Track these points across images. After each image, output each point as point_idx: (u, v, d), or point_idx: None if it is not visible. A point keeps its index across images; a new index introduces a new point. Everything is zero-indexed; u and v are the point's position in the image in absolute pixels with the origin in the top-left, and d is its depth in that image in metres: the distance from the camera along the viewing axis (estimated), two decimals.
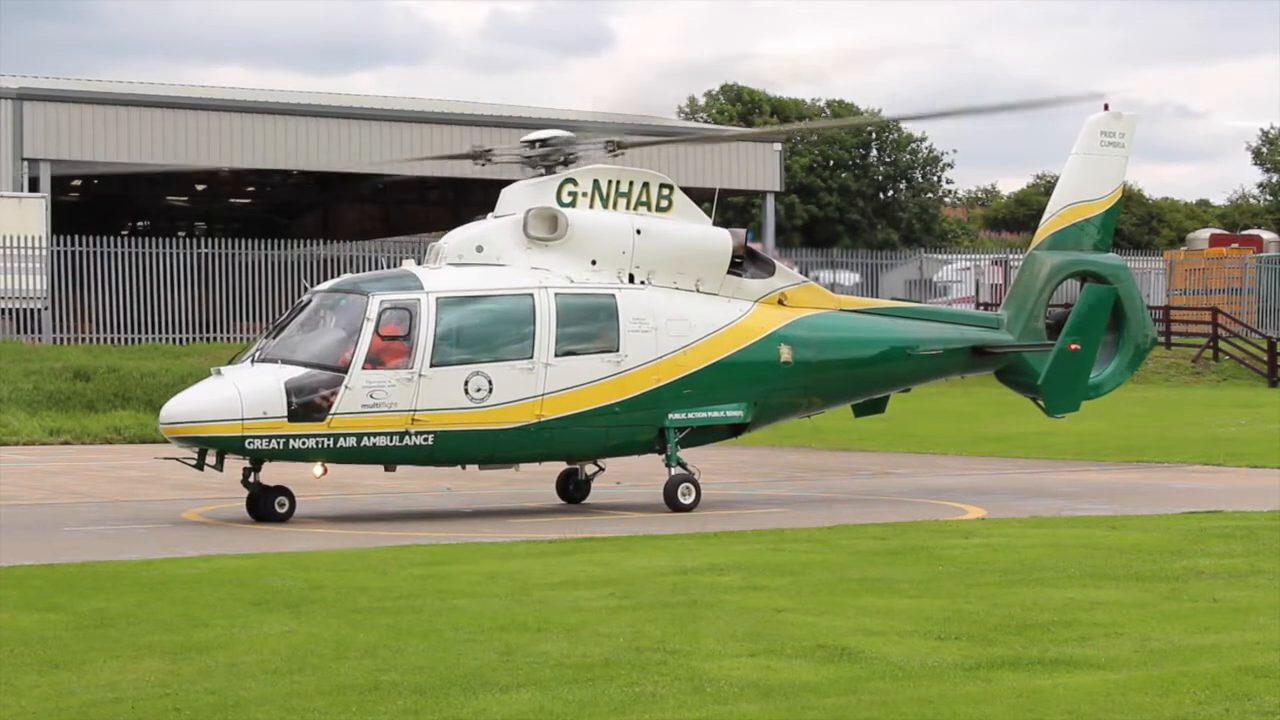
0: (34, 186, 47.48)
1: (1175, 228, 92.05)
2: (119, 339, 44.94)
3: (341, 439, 19.75)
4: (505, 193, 21.97)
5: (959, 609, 12.05)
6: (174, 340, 45.04)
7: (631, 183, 21.69)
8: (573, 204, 21.32)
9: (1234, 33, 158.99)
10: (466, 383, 20.16)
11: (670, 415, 21.34)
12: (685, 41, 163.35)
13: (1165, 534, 16.94)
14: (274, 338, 20.40)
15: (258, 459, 19.95)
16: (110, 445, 35.53)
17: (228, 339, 45.68)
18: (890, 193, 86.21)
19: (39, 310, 44.64)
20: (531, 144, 22.21)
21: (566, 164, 21.87)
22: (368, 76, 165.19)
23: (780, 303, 22.23)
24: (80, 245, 45.27)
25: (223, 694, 9.28)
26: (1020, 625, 11.36)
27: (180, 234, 61.49)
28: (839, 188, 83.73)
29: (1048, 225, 25.41)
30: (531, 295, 20.65)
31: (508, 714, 8.87)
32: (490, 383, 20.25)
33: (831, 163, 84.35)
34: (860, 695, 9.22)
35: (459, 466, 21.46)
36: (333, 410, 19.64)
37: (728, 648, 10.55)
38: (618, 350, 20.94)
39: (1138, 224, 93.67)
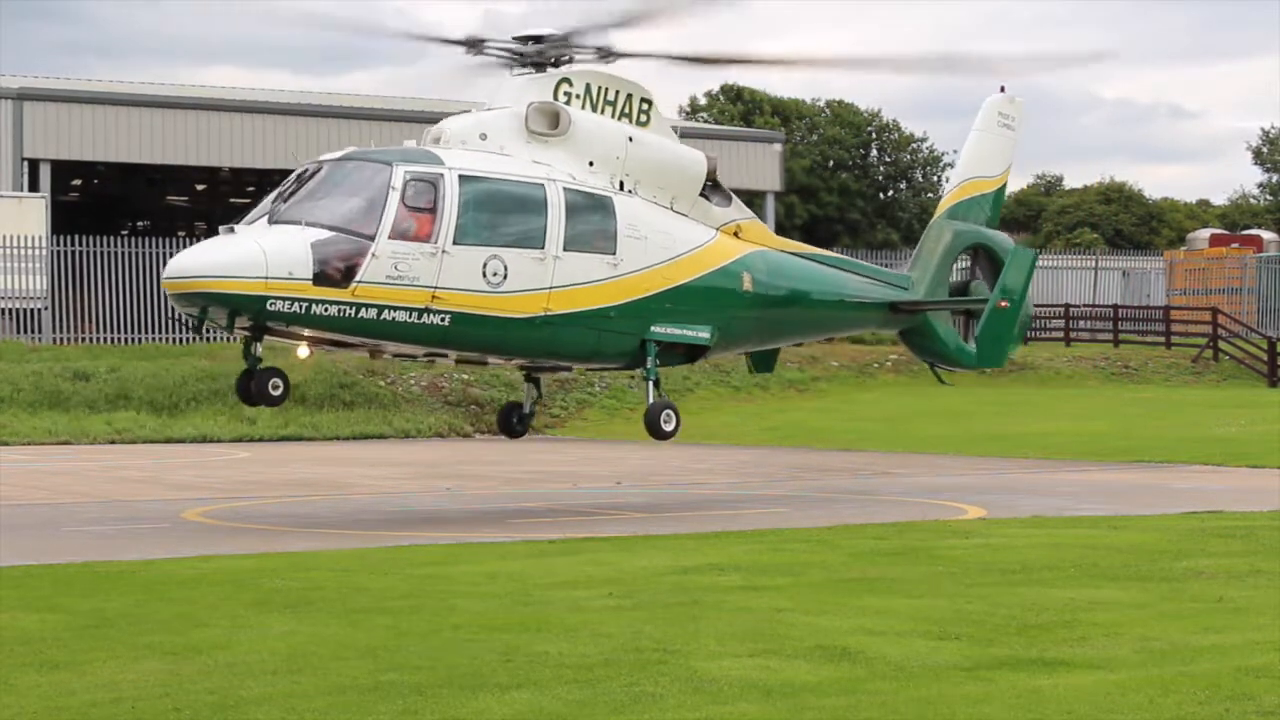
0: (34, 186, 47.48)
1: (1175, 228, 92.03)
2: (119, 339, 44.95)
3: (363, 309, 18.88)
4: (501, 86, 21.45)
5: (959, 609, 12.05)
6: (174, 340, 45.04)
7: (618, 91, 21.35)
8: (567, 104, 20.95)
9: (1230, 33, 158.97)
10: (485, 265, 19.61)
11: (652, 328, 21.09)
12: (679, 41, 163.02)
13: (1165, 534, 16.94)
14: (284, 201, 19.20)
15: (267, 326, 18.77)
16: (110, 445, 35.54)
17: (228, 339, 45.65)
18: (890, 193, 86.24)
19: (39, 310, 44.65)
20: (525, 40, 21.44)
21: (556, 65, 21.34)
22: (362, 77, 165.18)
23: (736, 234, 22.23)
24: (80, 245, 45.29)
25: (222, 694, 9.28)
26: (1020, 625, 11.36)
27: (180, 234, 61.41)
28: (839, 188, 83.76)
29: (950, 197, 25.70)
30: (543, 186, 20.22)
31: (507, 714, 8.87)
32: (506, 269, 19.75)
33: (832, 163, 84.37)
34: (860, 695, 9.22)
35: (458, 357, 20.79)
36: (358, 278, 18.77)
37: (727, 648, 10.55)
38: (614, 254, 20.66)
39: (1138, 224, 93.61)
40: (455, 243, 19.40)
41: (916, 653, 10.35)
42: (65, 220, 50.07)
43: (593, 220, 20.60)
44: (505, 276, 19.78)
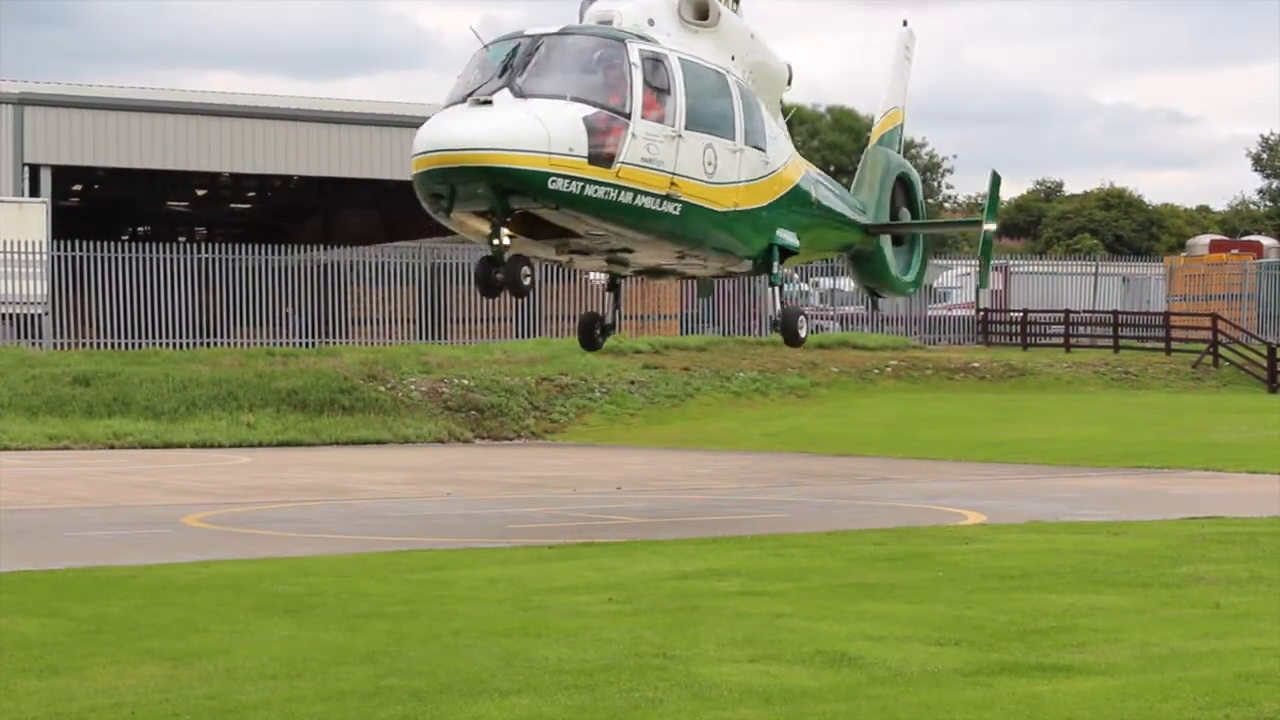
0: (35, 191, 47.50)
1: (1175, 233, 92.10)
2: (119, 344, 44.97)
3: (623, 193, 17.69)
4: None
5: (958, 615, 12.04)
6: (174, 345, 45.06)
7: None
8: None
9: (1230, 39, 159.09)
10: (704, 153, 18.74)
11: (777, 231, 20.44)
12: None
13: (1165, 540, 16.93)
14: (519, 74, 17.41)
15: (522, 210, 17.29)
16: (111, 450, 35.54)
17: (228, 344, 45.71)
18: None
19: (39, 315, 44.67)
20: None
21: None
22: (362, 82, 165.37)
23: None
24: (81, 250, 45.31)
25: (222, 699, 9.28)
26: (1020, 631, 11.36)
27: (181, 239, 61.52)
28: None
29: (880, 126, 25.41)
30: (725, 77, 19.38)
31: (507, 719, 8.86)
32: (715, 159, 18.92)
33: (833, 168, 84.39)
34: (860, 701, 9.22)
35: (649, 259, 19.63)
36: (621, 158, 17.58)
37: (727, 653, 10.54)
38: (766, 152, 19.98)
39: (1138, 229, 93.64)
40: (686, 127, 18.40)
41: (916, 658, 10.34)
42: (66, 225, 50.13)
43: (754, 117, 19.86)
44: (715, 167, 18.94)
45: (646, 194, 18.03)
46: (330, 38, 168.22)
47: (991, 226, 23.71)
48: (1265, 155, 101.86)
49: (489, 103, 17.03)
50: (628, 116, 17.72)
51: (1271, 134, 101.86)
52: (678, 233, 18.91)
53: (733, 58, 19.86)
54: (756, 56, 20.53)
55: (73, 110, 48.84)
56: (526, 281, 17.60)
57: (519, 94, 17.21)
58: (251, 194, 68.00)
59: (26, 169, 47.92)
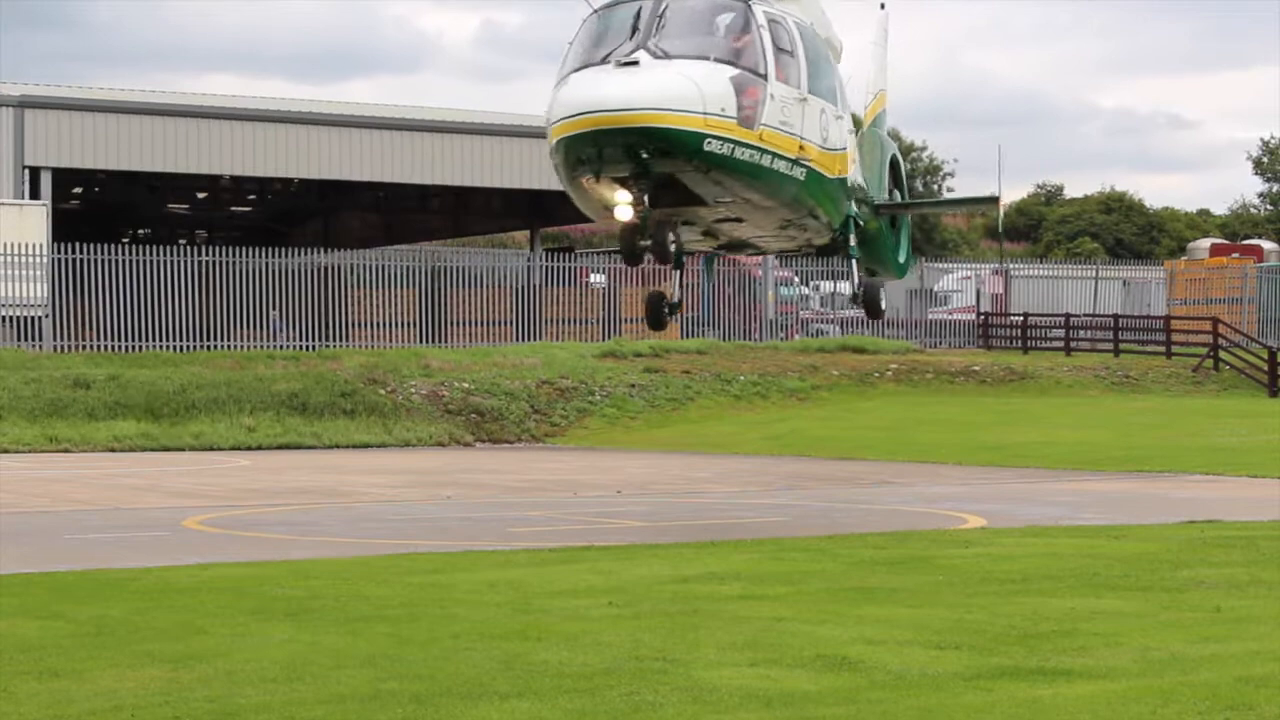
0: (35, 194, 47.50)
1: (1176, 237, 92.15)
2: (119, 347, 44.97)
3: (763, 156, 17.29)
4: None
5: (959, 618, 12.04)
6: (174, 348, 45.06)
7: None
8: None
9: (1229, 43, 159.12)
10: (820, 117, 18.39)
11: (850, 204, 20.19)
12: None
13: (1165, 544, 16.93)
14: (653, 35, 16.83)
15: (666, 175, 16.67)
16: (110, 453, 35.54)
17: (228, 347, 45.71)
18: None
19: (39, 318, 44.67)
20: None
21: None
22: (361, 85, 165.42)
23: None
24: (81, 253, 45.32)
25: (222, 702, 9.27)
26: (1020, 635, 11.35)
27: (181, 242, 61.52)
28: None
29: (870, 110, 25.11)
30: (827, 43, 19.04)
31: None
32: (827, 124, 18.58)
33: None
34: (860, 705, 9.21)
35: (750, 231, 19.02)
36: (762, 120, 17.15)
37: (727, 657, 10.54)
38: (849, 121, 19.65)
39: (1138, 233, 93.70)
40: (809, 90, 18.02)
41: (916, 662, 10.34)
42: (66, 228, 50.11)
43: (841, 85, 19.59)
44: (827, 133, 18.61)
45: (781, 158, 17.67)
46: (330, 40, 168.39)
47: (1002, 203, 23.36)
48: (1266, 159, 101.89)
49: (634, 63, 16.48)
50: (764, 78, 17.35)
51: (1272, 137, 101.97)
52: (799, 199, 18.49)
53: (811, 24, 19.43)
54: (827, 31, 20.29)
55: (73, 113, 48.83)
56: (673, 248, 17.28)
57: (660, 55, 16.73)
58: (252, 197, 68.00)
59: (27, 171, 47.89)
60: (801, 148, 17.94)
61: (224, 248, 49.02)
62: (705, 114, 16.50)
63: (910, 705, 9.19)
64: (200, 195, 66.30)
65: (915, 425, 39.09)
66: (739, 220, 19.01)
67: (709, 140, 16.59)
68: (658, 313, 21.65)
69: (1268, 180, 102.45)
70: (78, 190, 60.73)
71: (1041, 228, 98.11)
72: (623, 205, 17.23)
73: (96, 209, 63.76)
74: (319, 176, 53.40)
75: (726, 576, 14.42)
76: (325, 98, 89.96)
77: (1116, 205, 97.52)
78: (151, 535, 19.01)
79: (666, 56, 16.72)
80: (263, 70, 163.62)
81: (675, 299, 21.91)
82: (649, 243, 17.17)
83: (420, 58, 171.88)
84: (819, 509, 22.87)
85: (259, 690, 9.57)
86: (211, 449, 36.53)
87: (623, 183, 16.96)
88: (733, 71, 17.08)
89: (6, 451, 34.87)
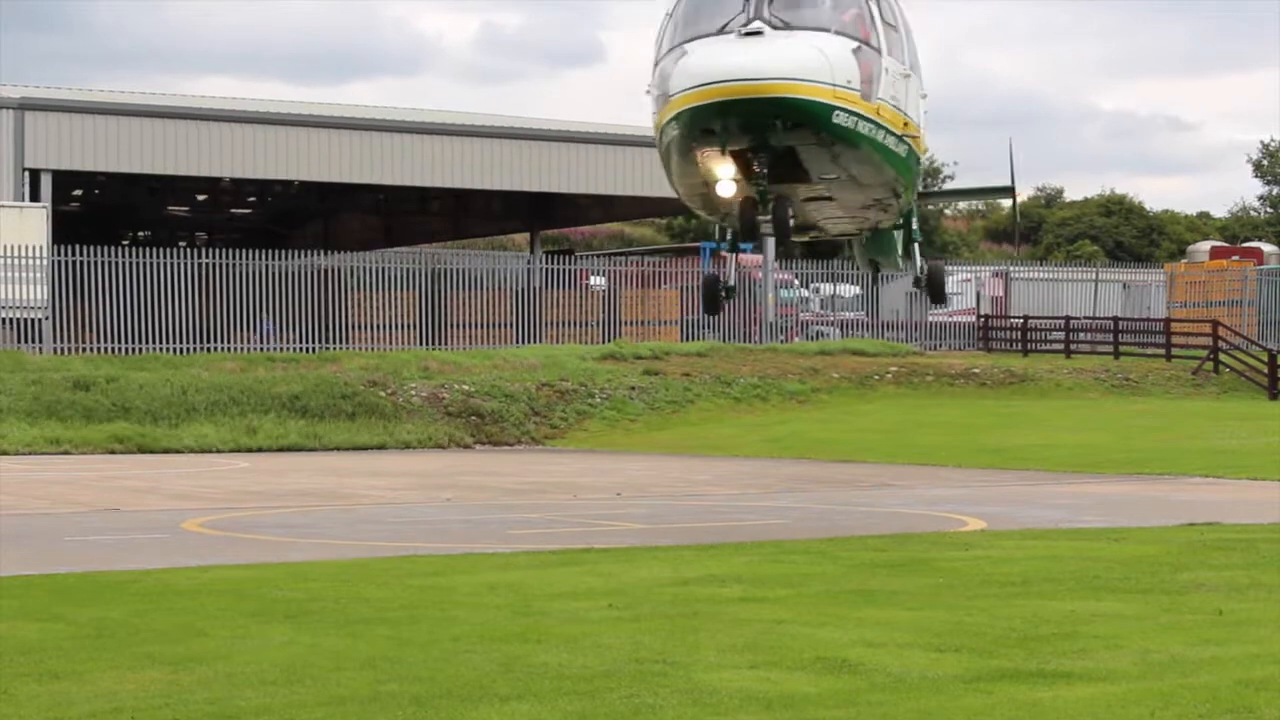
0: (35, 196, 47.51)
1: (1175, 240, 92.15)
2: (119, 349, 44.98)
3: (877, 130, 16.91)
4: None
5: (959, 621, 12.04)
6: (174, 350, 45.07)
7: None
8: None
9: (1229, 46, 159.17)
10: (916, 94, 18.06)
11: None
12: None
13: (1165, 546, 16.93)
14: (768, 6, 16.34)
15: (800, 143, 16.32)
16: (111, 455, 35.54)
17: (228, 349, 45.71)
18: None
19: (39, 320, 44.67)
20: None
21: None
22: (361, 87, 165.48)
23: None
24: (81, 255, 45.34)
25: (222, 704, 9.27)
26: (1020, 637, 11.35)
27: (181, 244, 61.57)
28: None
29: None
30: (902, 17, 18.46)
31: None
32: (920, 103, 18.26)
33: None
34: (860, 707, 9.21)
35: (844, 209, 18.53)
36: (878, 94, 16.82)
37: (727, 659, 10.53)
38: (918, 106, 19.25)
39: (1138, 236, 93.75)
40: (911, 66, 17.69)
41: (916, 664, 10.34)
42: (66, 230, 50.14)
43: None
44: (918, 111, 18.33)
45: (891, 134, 17.36)
46: (330, 43, 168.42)
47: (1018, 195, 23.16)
48: (1266, 161, 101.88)
49: (758, 33, 16.07)
50: (878, 51, 17.02)
51: (1272, 140, 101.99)
52: (898, 178, 18.20)
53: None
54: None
55: (73, 115, 48.85)
56: (793, 222, 17.00)
57: (780, 25, 16.32)
58: (252, 199, 68.03)
59: (27, 174, 47.90)
60: (905, 124, 17.64)
61: (224, 250, 49.04)
62: (834, 85, 16.15)
63: (910, 708, 9.19)
64: (200, 197, 66.33)
65: (915, 428, 39.09)
66: (827, 199, 18.57)
67: (837, 113, 16.27)
68: (714, 296, 21.55)
69: (1268, 183, 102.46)
70: (78, 192, 60.76)
71: (1041, 230, 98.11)
72: (729, 180, 16.94)
73: (96, 211, 63.80)
74: (319, 179, 53.42)
75: (726, 579, 14.41)
76: (325, 100, 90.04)
77: (1116, 208, 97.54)
78: (151, 537, 19.01)
79: (787, 27, 16.32)
80: (262, 72, 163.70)
81: (731, 283, 21.68)
82: (770, 215, 16.80)
83: (420, 60, 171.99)
84: (819, 511, 22.86)
85: (259, 692, 9.57)
86: (211, 451, 36.52)
87: (740, 155, 16.60)
88: (853, 44, 16.69)
89: (7, 453, 34.86)
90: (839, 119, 16.27)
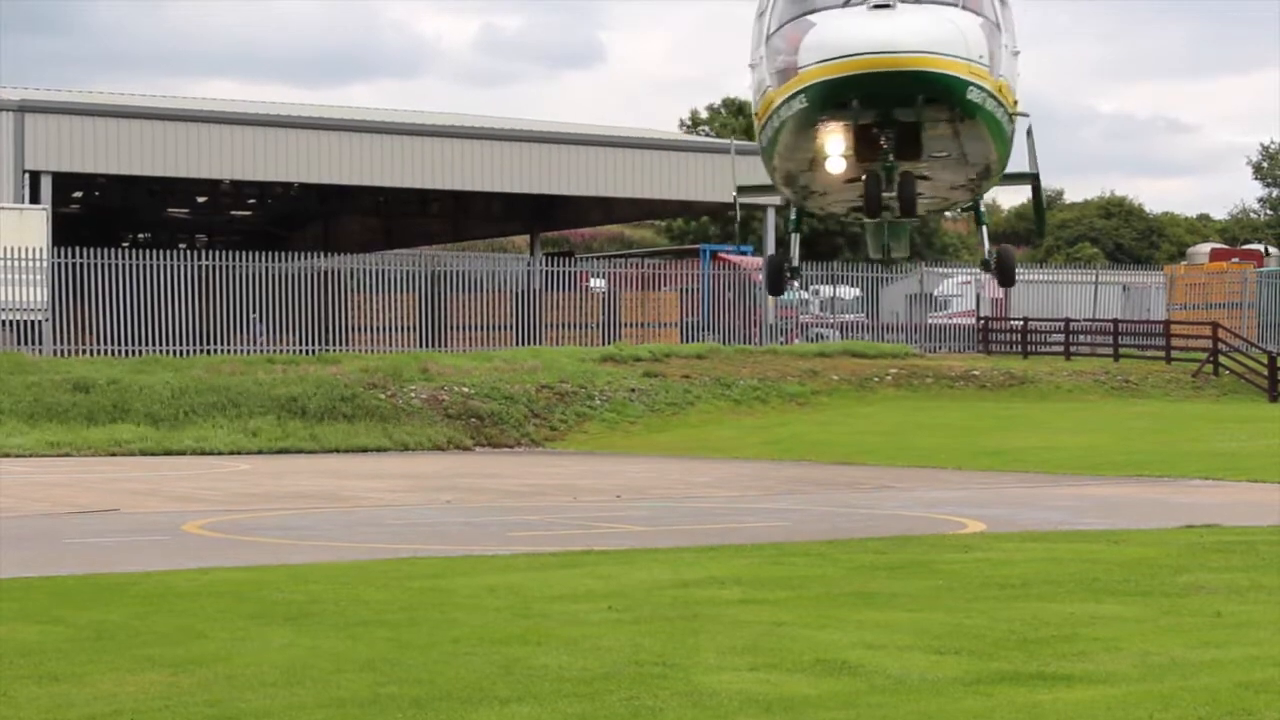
0: (35, 198, 47.51)
1: (1175, 242, 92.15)
2: (119, 351, 44.96)
3: (997, 108, 16.65)
4: None
5: (958, 623, 12.04)
6: (174, 353, 45.06)
7: None
8: None
9: (1228, 48, 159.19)
10: (1019, 72, 17.79)
11: None
12: (676, 55, 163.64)
13: (1165, 548, 16.93)
14: None
15: (930, 118, 16.17)
16: (111, 457, 35.54)
17: (228, 351, 45.71)
18: None
19: (39, 322, 44.66)
20: None
21: None
22: (361, 89, 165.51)
23: None
24: (81, 257, 45.33)
25: (222, 706, 9.27)
26: (1020, 640, 11.35)
27: (181, 246, 61.56)
28: None
29: None
30: None
31: None
32: (1018, 81, 17.96)
33: None
34: (860, 709, 9.21)
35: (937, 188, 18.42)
36: (1000, 70, 16.60)
37: (727, 661, 10.53)
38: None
39: (1138, 238, 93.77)
40: (1017, 42, 17.54)
41: (916, 667, 10.34)
42: (66, 232, 50.15)
43: None
44: (1015, 89, 18.09)
45: (1005, 111, 17.19)
46: (330, 45, 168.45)
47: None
48: (1265, 164, 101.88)
49: (888, 6, 15.87)
50: (998, 28, 16.85)
51: (1271, 142, 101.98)
52: (1000, 156, 18.03)
53: None
54: None
55: (73, 117, 48.84)
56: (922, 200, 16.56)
57: None
58: (252, 201, 68.05)
59: (27, 175, 47.89)
60: (1015, 102, 17.48)
61: (224, 252, 49.03)
62: (969, 60, 15.99)
63: (910, 710, 9.19)
64: (200, 199, 66.34)
65: (915, 430, 39.09)
66: (924, 178, 18.30)
67: (971, 88, 16.13)
68: (778, 277, 21.42)
69: (1267, 185, 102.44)
70: (78, 194, 60.77)
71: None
72: (843, 157, 16.76)
73: (97, 213, 63.81)
74: (319, 181, 53.42)
75: (726, 581, 14.41)
76: (325, 102, 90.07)
77: (1116, 210, 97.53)
78: (152, 539, 19.01)
79: (915, 0, 16.12)
80: (262, 75, 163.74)
81: (795, 264, 21.54)
82: (896, 193, 16.58)
83: (420, 62, 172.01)
84: (819, 514, 22.86)
85: (259, 694, 9.57)
86: (211, 453, 36.52)
87: (866, 130, 16.40)
88: (979, 18, 16.51)
89: (7, 455, 34.85)
90: (972, 95, 16.14)
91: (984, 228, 20.25)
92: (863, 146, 16.71)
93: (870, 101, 16.09)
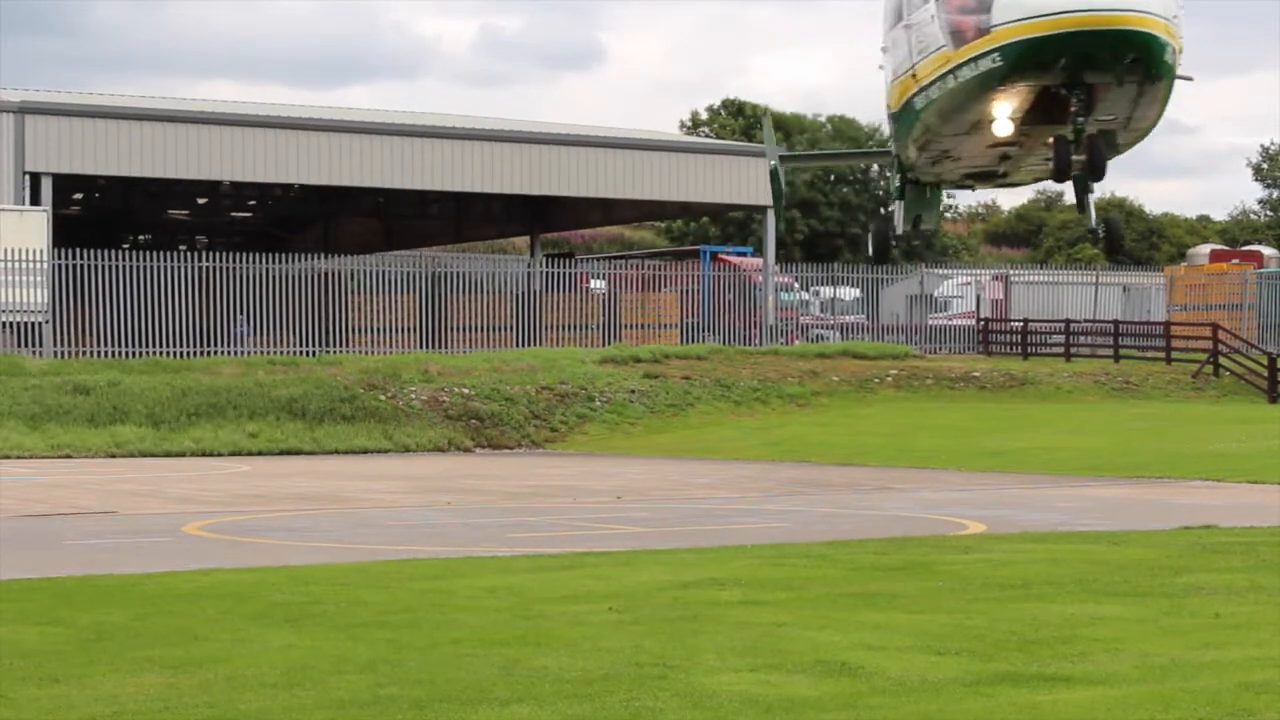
0: (35, 200, 47.51)
1: (1175, 243, 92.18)
2: (120, 352, 44.95)
3: (1175, 71, 16.74)
4: None
5: (959, 624, 12.04)
6: (174, 354, 45.05)
7: None
8: None
9: (1228, 49, 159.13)
10: None
11: None
12: (676, 56, 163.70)
13: (1165, 549, 16.93)
14: None
15: (1127, 79, 15.99)
16: (111, 459, 35.54)
17: (228, 353, 45.70)
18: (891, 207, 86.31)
19: (40, 324, 44.66)
20: None
21: None
22: (361, 90, 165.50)
23: None
24: (81, 259, 45.32)
25: (222, 707, 9.27)
26: (1020, 641, 11.35)
27: (181, 248, 61.57)
28: (839, 202, 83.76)
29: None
30: None
31: None
32: None
33: (833, 177, 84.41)
34: (860, 711, 9.21)
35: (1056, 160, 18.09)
36: (1180, 31, 16.73)
37: (727, 663, 10.54)
38: None
39: (1138, 239, 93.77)
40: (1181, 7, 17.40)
41: (917, 668, 10.34)
42: (66, 234, 50.12)
43: None
44: None
45: (1175, 76, 17.16)
46: (330, 46, 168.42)
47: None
48: (1265, 165, 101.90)
49: None
50: None
51: (1272, 144, 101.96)
52: (1160, 114, 18.05)
53: None
54: None
55: (74, 119, 48.83)
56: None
57: None
58: (252, 202, 68.02)
59: (27, 177, 47.87)
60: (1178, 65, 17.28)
61: (224, 253, 49.02)
62: (1167, 20, 15.90)
63: (910, 711, 9.19)
64: (200, 201, 66.30)
65: (915, 431, 39.09)
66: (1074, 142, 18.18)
67: (1169, 49, 16.02)
68: (884, 243, 21.24)
69: (1268, 186, 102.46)
70: (78, 196, 60.73)
71: (1042, 233, 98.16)
72: (1008, 120, 16.58)
73: (97, 214, 63.80)
74: (319, 182, 53.40)
75: (727, 582, 14.42)
76: (325, 103, 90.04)
77: (1116, 211, 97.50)
78: (152, 541, 19.01)
79: None
80: (262, 76, 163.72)
81: (900, 230, 21.34)
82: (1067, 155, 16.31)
83: (419, 63, 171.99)
84: (819, 515, 22.86)
85: (259, 696, 9.57)
86: (211, 455, 36.53)
87: (1053, 92, 16.16)
88: None
89: (7, 457, 34.86)
90: (1168, 56, 16.13)
91: (1089, 196, 20.01)
92: (1051, 108, 16.49)
93: (1075, 62, 15.84)
